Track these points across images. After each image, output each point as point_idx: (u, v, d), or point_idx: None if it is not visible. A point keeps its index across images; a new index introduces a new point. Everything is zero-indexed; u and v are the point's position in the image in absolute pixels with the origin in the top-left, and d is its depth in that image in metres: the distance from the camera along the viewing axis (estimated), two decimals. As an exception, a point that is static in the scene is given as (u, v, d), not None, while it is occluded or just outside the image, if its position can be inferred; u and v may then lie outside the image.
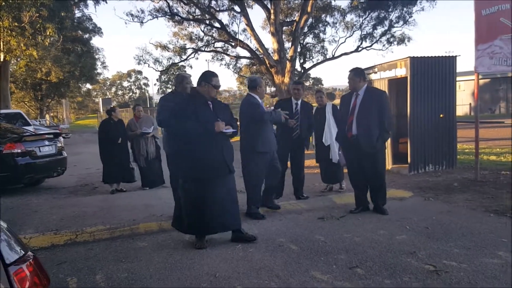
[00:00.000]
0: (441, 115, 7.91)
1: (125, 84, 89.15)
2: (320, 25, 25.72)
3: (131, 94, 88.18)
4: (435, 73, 7.85)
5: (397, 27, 23.80)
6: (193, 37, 24.54)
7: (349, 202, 5.69)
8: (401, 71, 7.91)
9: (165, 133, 5.14)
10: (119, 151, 7.53)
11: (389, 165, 8.05)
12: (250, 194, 5.15)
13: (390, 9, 22.88)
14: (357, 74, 5.12)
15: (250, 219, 4.97)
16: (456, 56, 8.11)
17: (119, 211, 5.94)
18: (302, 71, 26.52)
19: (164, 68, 26.57)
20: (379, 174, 5.15)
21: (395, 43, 24.71)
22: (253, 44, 22.38)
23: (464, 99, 31.12)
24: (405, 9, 22.73)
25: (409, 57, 7.69)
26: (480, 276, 3.22)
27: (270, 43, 21.05)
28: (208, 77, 4.15)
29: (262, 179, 5.22)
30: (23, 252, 1.53)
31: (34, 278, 1.42)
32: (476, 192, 6.05)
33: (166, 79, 53.05)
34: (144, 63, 25.67)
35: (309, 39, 26.75)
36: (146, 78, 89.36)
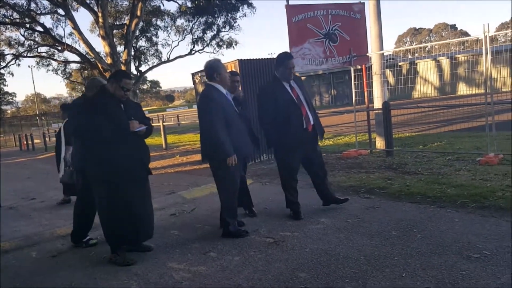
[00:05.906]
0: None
1: None
2: (152, 28, 25.79)
3: None
4: (261, 73, 8.79)
5: (224, 31, 25.44)
6: (12, 42, 22.03)
7: (197, 196, 6.08)
8: (232, 72, 8.63)
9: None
10: None
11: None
12: (224, 205, 4.34)
13: (216, 15, 24.24)
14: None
15: None
16: (277, 57, 9.18)
17: None
18: (139, 74, 26.10)
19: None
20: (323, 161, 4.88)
21: (225, 46, 26.41)
22: (82, 48, 21.21)
23: (288, 95, 34.99)
24: (230, 15, 24.37)
25: (237, 59, 8.46)
26: (309, 240, 3.90)
27: (101, 46, 20.20)
28: (119, 76, 3.81)
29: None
30: None
31: None
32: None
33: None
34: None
35: (142, 43, 26.54)
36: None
